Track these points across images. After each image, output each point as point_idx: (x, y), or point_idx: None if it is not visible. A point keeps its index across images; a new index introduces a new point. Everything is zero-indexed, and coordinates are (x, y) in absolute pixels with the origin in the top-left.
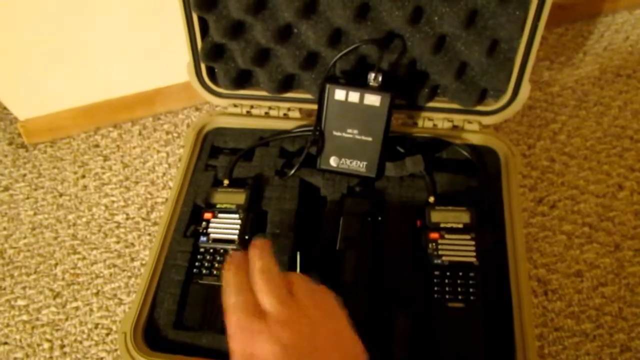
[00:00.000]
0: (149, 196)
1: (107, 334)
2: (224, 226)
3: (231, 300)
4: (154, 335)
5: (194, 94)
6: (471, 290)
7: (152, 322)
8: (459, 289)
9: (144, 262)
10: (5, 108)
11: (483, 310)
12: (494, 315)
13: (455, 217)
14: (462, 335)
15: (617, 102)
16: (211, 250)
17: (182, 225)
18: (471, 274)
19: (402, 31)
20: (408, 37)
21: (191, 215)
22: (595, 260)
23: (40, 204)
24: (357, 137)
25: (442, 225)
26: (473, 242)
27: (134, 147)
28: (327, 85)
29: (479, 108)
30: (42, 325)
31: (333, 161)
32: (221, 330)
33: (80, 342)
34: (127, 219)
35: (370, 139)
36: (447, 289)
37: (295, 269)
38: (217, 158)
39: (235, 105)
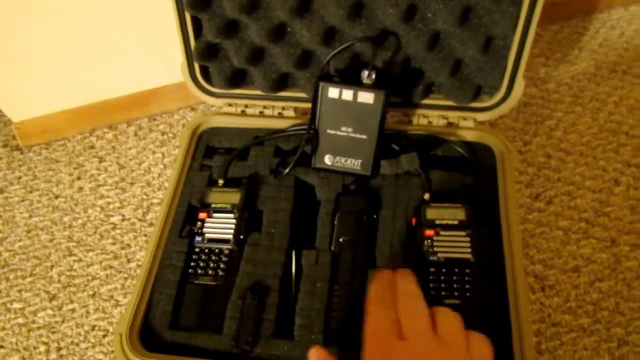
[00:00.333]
0: (144, 197)
1: (104, 336)
2: (219, 226)
3: (374, 311)
4: (149, 336)
5: (189, 94)
6: (467, 286)
7: (147, 323)
8: (455, 286)
9: (140, 263)
10: None
11: (479, 307)
12: (490, 311)
13: (451, 213)
14: None
15: (612, 98)
16: (206, 250)
17: (177, 226)
18: (467, 271)
19: (396, 29)
20: (402, 35)
21: (186, 216)
22: (592, 255)
23: (35, 206)
24: (352, 135)
25: (437, 222)
26: (468, 239)
27: (130, 148)
28: (321, 84)
29: (474, 105)
30: (39, 328)
31: (328, 159)
32: (217, 330)
33: (77, 345)
34: (123, 220)
35: (364, 136)
36: (442, 285)
37: (290, 269)
38: (212, 158)
39: (229, 105)
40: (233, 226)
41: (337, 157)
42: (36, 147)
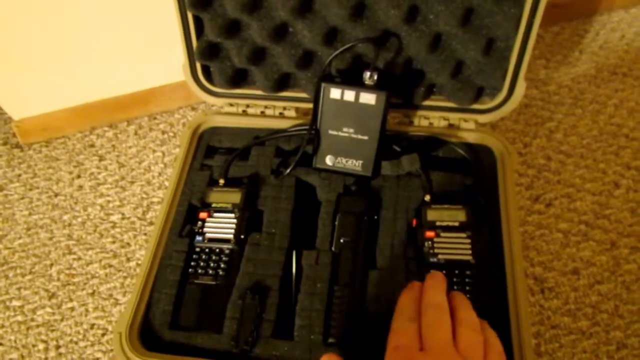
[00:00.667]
0: (144, 196)
1: (103, 335)
2: (220, 225)
3: (398, 323)
4: (149, 335)
5: (189, 93)
6: (467, 288)
7: (147, 322)
8: (455, 287)
9: (139, 262)
10: None
11: (479, 309)
12: (490, 313)
13: (451, 215)
14: None
15: (613, 101)
16: (207, 250)
17: (178, 225)
18: (467, 272)
19: (398, 30)
20: (404, 36)
21: (187, 215)
22: (592, 258)
23: (35, 204)
24: (353, 136)
25: (438, 223)
26: (469, 241)
27: (130, 147)
28: (323, 84)
29: (475, 106)
30: (38, 326)
31: (329, 160)
32: (217, 330)
33: (76, 343)
34: (122, 218)
35: (366, 137)
36: None
37: (291, 269)
38: (213, 157)
39: (230, 105)
40: (234, 226)
41: (338, 158)
42: (36, 145)
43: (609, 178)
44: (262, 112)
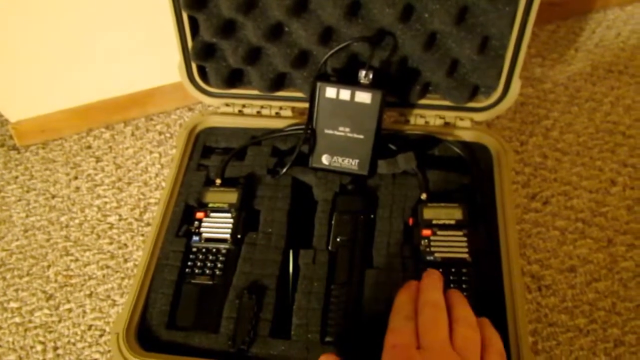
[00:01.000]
0: (142, 197)
1: (101, 336)
2: (217, 225)
3: (395, 321)
4: (146, 335)
5: (186, 94)
6: (464, 286)
7: (144, 323)
8: (452, 286)
9: (137, 263)
10: None
11: (476, 307)
12: (487, 311)
13: (448, 213)
14: None
15: (609, 98)
16: (204, 250)
17: (175, 225)
18: (464, 270)
19: (393, 28)
20: (399, 35)
21: (183, 215)
22: (589, 255)
23: (32, 205)
24: (349, 134)
25: (434, 221)
26: (465, 239)
27: (127, 148)
28: (318, 84)
29: (471, 105)
30: (35, 328)
31: (325, 159)
32: (214, 329)
33: (74, 344)
34: (120, 220)
35: (362, 136)
36: None
37: (288, 269)
38: (209, 157)
39: (227, 105)
40: (230, 226)
41: (335, 157)
42: (33, 146)
43: (606, 176)
44: (258, 112)
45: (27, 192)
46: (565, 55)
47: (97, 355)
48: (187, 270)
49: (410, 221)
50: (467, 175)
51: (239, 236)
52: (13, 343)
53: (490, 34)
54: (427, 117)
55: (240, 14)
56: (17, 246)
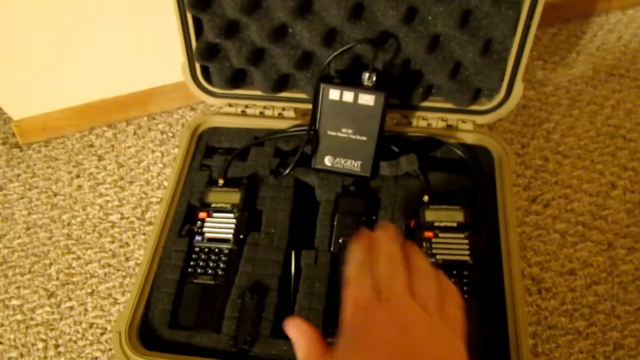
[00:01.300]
0: (143, 196)
1: (102, 334)
2: (219, 225)
3: (352, 273)
4: (148, 334)
5: (188, 93)
6: (465, 288)
7: (146, 322)
8: None
9: (138, 261)
10: None
11: (477, 309)
12: (487, 313)
13: (449, 215)
14: None
15: (610, 102)
16: (206, 250)
17: (177, 225)
18: (465, 273)
19: (397, 31)
20: (402, 37)
21: (186, 215)
22: (589, 258)
23: (34, 203)
24: (352, 136)
25: (436, 224)
26: (467, 241)
27: (129, 147)
28: (322, 85)
29: (473, 107)
30: (37, 325)
31: (328, 160)
32: (216, 329)
33: (75, 342)
34: (121, 218)
35: (364, 138)
36: None
37: (290, 269)
38: (212, 158)
39: (230, 105)
40: (233, 226)
41: (337, 158)
42: (35, 144)
43: (606, 179)
44: (261, 113)
45: (30, 189)
46: (566, 59)
47: (98, 354)
48: (189, 269)
49: (412, 223)
50: (469, 177)
51: (241, 236)
52: (15, 340)
53: (493, 37)
54: (429, 119)
55: (244, 15)
56: (19, 244)
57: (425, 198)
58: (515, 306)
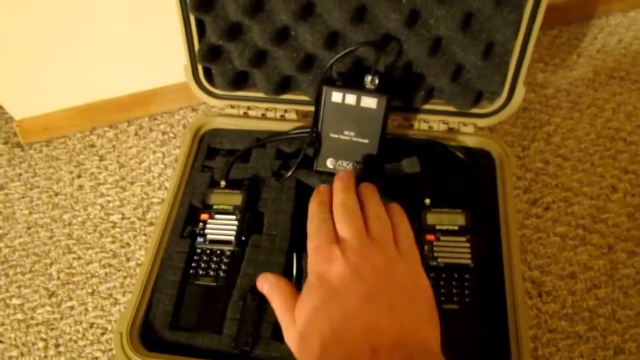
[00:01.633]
0: (144, 196)
1: (102, 334)
2: (221, 227)
3: (312, 227)
4: (149, 335)
5: (190, 94)
6: (466, 292)
7: (148, 323)
8: (454, 291)
9: (139, 262)
10: (0, 107)
11: (478, 312)
12: (488, 316)
13: (451, 219)
14: (457, 337)
15: (610, 104)
16: (208, 251)
17: (179, 226)
18: (466, 276)
19: (399, 33)
20: (404, 40)
21: (187, 216)
22: (589, 262)
23: (35, 203)
24: (354, 139)
25: (437, 227)
26: (468, 244)
27: (130, 147)
28: (324, 88)
29: (474, 110)
30: (37, 324)
31: (330, 163)
32: (217, 331)
33: (75, 342)
34: (122, 218)
35: (366, 141)
36: (442, 290)
37: (292, 271)
38: (214, 159)
39: (232, 107)
40: (235, 228)
41: (339, 161)
42: (37, 144)
43: (607, 182)
44: (263, 115)
45: (31, 189)
46: (567, 61)
47: (98, 354)
48: (191, 271)
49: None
50: (470, 180)
51: (243, 238)
52: (15, 339)
53: (495, 40)
54: (430, 122)
55: (246, 17)
56: (20, 243)
57: (427, 201)
58: (516, 309)
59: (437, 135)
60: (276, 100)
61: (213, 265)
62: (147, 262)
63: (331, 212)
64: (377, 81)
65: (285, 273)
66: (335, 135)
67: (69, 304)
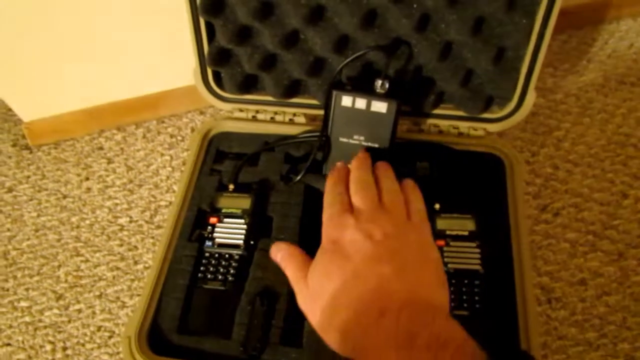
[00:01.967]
0: (152, 199)
1: (110, 337)
2: (230, 231)
3: (328, 200)
4: (158, 339)
5: (198, 97)
6: (476, 298)
7: (156, 327)
8: (464, 297)
9: (147, 265)
10: (9, 110)
11: (487, 318)
12: (498, 323)
13: (461, 224)
14: None
15: (621, 110)
16: (216, 255)
17: (187, 230)
18: (476, 282)
19: (409, 38)
20: (414, 44)
21: (196, 220)
22: (599, 268)
23: (43, 205)
24: (364, 143)
25: (447, 232)
26: (478, 250)
27: (138, 150)
28: (334, 92)
29: (485, 115)
30: (45, 327)
31: None
32: (225, 335)
33: (83, 345)
34: (130, 221)
35: (376, 145)
36: (452, 296)
37: None
38: (222, 162)
39: (240, 110)
40: (243, 232)
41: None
42: (45, 146)
43: (617, 188)
44: (272, 118)
45: (39, 191)
46: (577, 66)
47: (105, 357)
48: (199, 275)
49: None
50: (480, 185)
51: (251, 242)
52: (23, 342)
53: (507, 46)
54: (440, 126)
55: (256, 21)
56: (28, 245)
57: (437, 206)
58: (527, 316)
59: (447, 139)
60: (285, 104)
61: (221, 270)
62: (155, 266)
63: (347, 188)
64: (387, 85)
65: None
66: (345, 140)
67: (77, 306)
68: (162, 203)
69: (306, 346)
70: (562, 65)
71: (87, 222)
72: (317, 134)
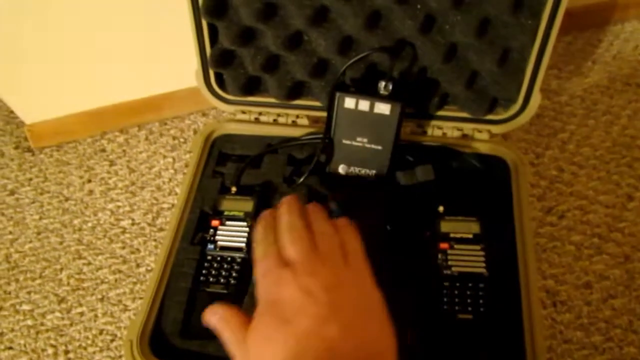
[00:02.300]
0: (154, 202)
1: (112, 340)
2: (232, 234)
3: (259, 252)
4: (160, 343)
5: (200, 99)
6: (481, 301)
7: (158, 330)
8: (469, 300)
9: (149, 268)
10: (11, 112)
11: (492, 322)
12: (503, 326)
13: (465, 227)
14: (471, 348)
15: (626, 112)
16: (218, 258)
17: (189, 232)
18: (481, 285)
19: (413, 39)
20: (419, 46)
21: (198, 222)
22: (605, 271)
23: (45, 208)
24: (367, 145)
25: (451, 235)
26: (483, 253)
27: (140, 152)
28: (338, 94)
29: (489, 117)
30: (47, 331)
31: (342, 169)
32: None
33: (85, 348)
34: (132, 224)
35: (380, 147)
36: (456, 300)
37: None
38: (225, 165)
39: (243, 112)
40: (246, 234)
41: (352, 167)
42: (47, 149)
43: (623, 190)
44: (275, 120)
45: (41, 194)
46: (582, 68)
47: None
48: (201, 278)
49: (427, 234)
50: (485, 187)
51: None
52: (25, 345)
53: (512, 47)
54: (444, 128)
55: (259, 22)
56: (30, 248)
57: (441, 209)
58: (532, 320)
59: (451, 142)
60: (288, 105)
61: (224, 273)
62: (157, 269)
63: (278, 235)
64: (390, 87)
65: None
66: (348, 142)
67: (79, 310)
68: (165, 205)
69: None
70: (567, 67)
71: (89, 224)
72: (321, 135)
